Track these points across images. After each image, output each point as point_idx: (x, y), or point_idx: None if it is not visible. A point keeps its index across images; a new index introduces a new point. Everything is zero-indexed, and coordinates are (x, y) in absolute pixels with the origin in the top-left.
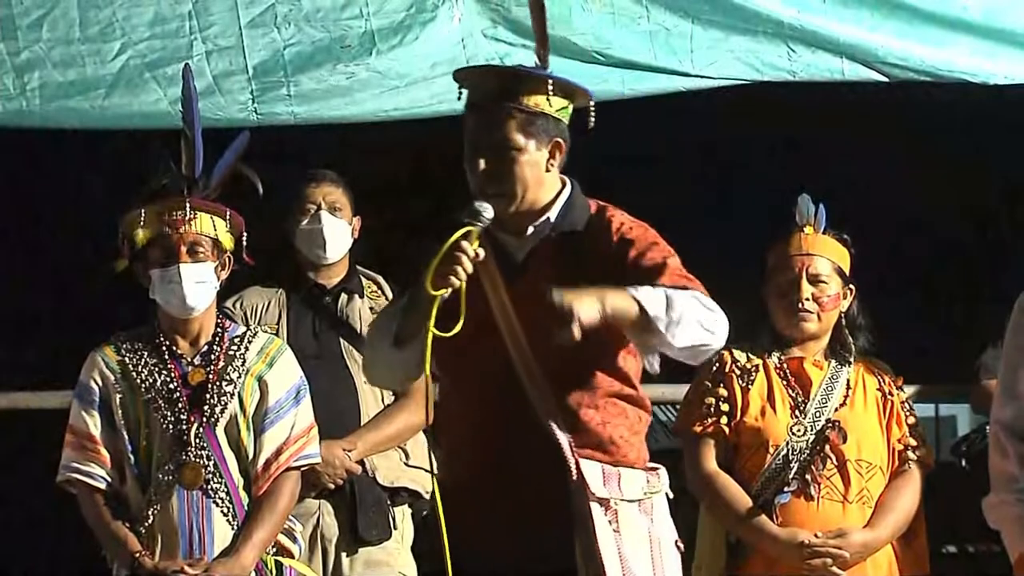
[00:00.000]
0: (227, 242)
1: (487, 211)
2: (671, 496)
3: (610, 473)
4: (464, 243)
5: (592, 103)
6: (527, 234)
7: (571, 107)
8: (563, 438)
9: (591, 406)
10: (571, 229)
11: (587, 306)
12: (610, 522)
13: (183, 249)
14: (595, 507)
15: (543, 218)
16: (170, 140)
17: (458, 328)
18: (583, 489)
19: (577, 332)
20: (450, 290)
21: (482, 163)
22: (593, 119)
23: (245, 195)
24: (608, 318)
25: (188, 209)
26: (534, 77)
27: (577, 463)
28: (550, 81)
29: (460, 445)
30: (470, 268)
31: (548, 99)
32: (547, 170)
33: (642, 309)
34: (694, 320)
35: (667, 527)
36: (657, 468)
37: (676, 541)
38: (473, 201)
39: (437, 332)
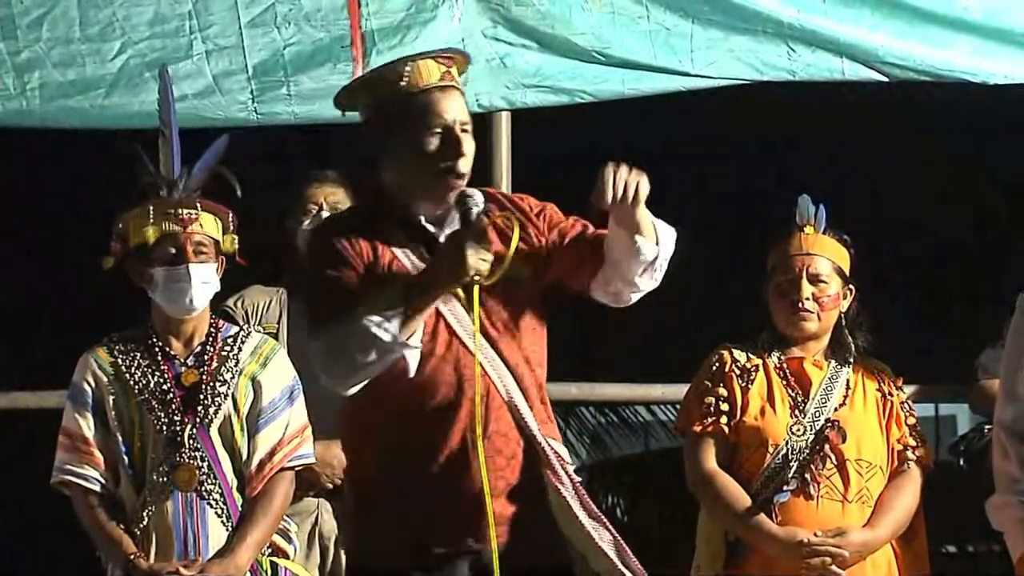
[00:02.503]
0: (227, 244)
1: (480, 196)
2: None
3: (558, 447)
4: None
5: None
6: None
7: None
8: (532, 421)
9: (535, 385)
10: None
11: (643, 186)
12: (576, 491)
13: (190, 249)
14: (567, 479)
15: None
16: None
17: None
18: (562, 466)
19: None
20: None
21: (466, 143)
22: None
23: (224, 196)
24: (638, 217)
25: (197, 209)
26: (467, 57)
27: (552, 447)
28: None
29: (414, 448)
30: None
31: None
32: None
33: (657, 237)
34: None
35: None
36: None
37: None
38: (464, 191)
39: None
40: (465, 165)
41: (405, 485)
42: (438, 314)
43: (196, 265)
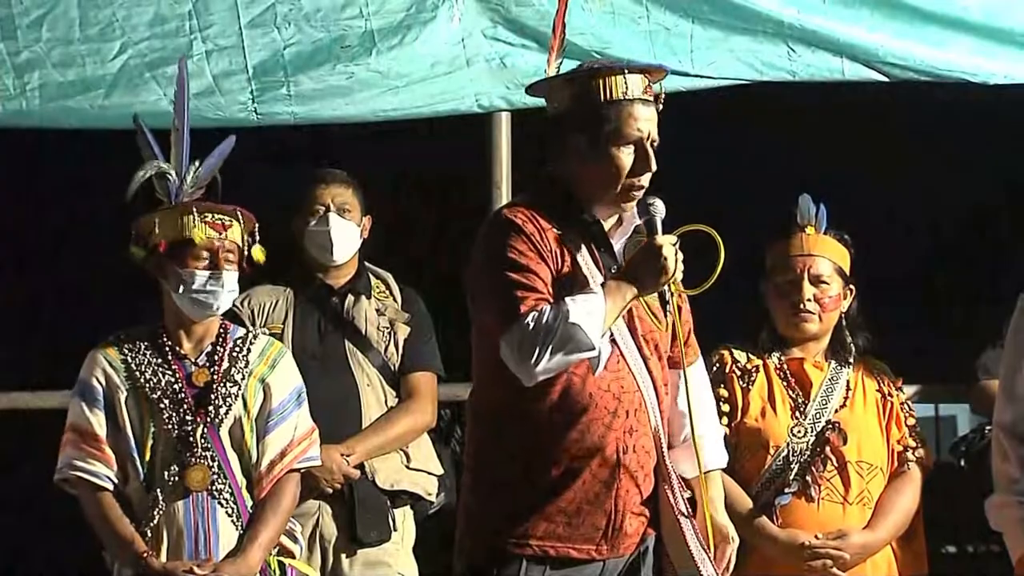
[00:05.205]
0: (257, 253)
1: (661, 204)
2: None
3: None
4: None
5: None
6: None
7: None
8: (664, 440)
9: (664, 408)
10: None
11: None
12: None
13: (222, 256)
14: (683, 501)
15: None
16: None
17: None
18: (680, 486)
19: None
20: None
21: (653, 160)
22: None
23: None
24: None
25: (230, 216)
26: (665, 72)
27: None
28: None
29: (566, 453)
30: None
31: None
32: None
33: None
34: None
35: None
36: None
37: None
38: (646, 199)
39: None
40: (648, 180)
41: (553, 486)
42: None
43: (228, 273)
